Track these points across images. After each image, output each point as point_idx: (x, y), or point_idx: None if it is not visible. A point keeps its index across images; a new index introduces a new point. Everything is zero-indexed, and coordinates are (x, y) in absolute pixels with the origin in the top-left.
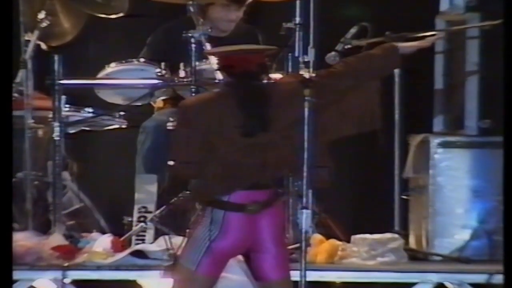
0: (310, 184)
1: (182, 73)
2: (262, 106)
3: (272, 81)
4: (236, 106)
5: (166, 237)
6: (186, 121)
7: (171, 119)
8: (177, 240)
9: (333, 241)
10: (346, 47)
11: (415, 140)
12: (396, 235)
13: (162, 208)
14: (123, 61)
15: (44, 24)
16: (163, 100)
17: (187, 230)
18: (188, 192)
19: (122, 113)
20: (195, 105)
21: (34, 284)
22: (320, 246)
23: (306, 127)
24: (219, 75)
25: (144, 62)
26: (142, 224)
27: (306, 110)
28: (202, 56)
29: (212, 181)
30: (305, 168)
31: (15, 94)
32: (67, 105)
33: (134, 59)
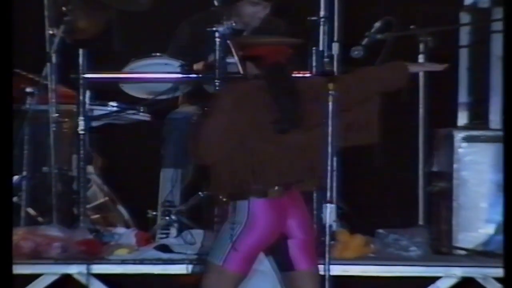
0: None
1: (206, 67)
2: (296, 103)
3: (301, 76)
4: (272, 101)
5: (191, 231)
6: (222, 107)
7: (196, 112)
8: (201, 234)
9: (359, 236)
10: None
11: (439, 134)
12: (420, 229)
13: (187, 202)
14: (148, 55)
15: (69, 18)
16: (187, 93)
17: (213, 225)
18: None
19: (146, 107)
20: (232, 93)
21: None
22: (347, 242)
23: (330, 122)
24: (244, 68)
25: (168, 56)
26: (167, 218)
27: (330, 104)
28: (227, 50)
29: (239, 173)
30: (329, 162)
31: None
32: (91, 99)
33: (158, 53)
